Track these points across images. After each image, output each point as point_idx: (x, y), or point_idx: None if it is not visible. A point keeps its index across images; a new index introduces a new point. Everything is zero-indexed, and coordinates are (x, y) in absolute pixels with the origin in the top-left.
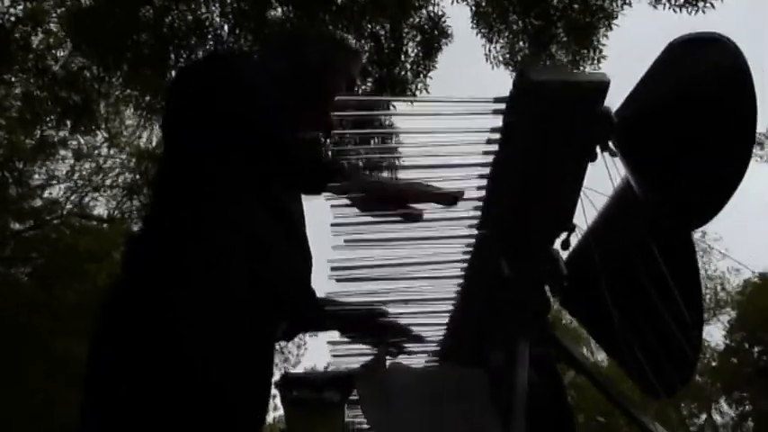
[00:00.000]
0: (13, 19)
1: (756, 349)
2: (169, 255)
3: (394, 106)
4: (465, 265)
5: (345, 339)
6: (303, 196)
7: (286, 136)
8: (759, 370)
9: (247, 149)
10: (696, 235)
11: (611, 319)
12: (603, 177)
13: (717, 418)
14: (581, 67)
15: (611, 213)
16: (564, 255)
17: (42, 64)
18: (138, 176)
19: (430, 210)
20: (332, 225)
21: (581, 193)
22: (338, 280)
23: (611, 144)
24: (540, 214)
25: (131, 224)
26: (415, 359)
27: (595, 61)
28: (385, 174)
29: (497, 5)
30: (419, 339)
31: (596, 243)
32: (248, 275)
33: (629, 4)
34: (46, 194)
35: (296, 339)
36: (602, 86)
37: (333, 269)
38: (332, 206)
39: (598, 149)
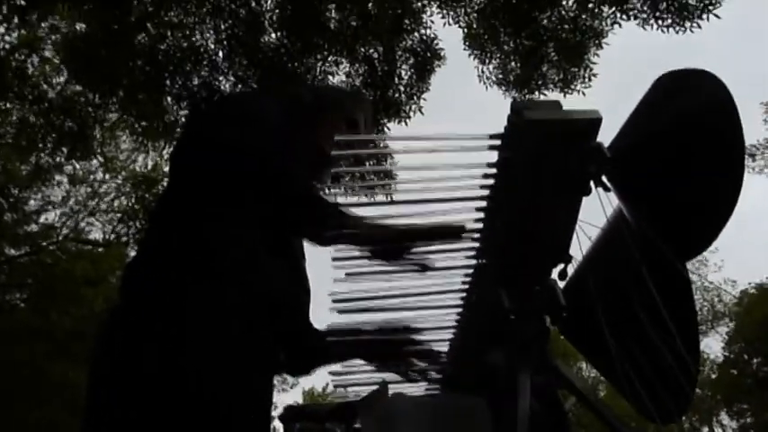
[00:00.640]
0: (8, 46)
1: (755, 360)
2: (167, 284)
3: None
4: (464, 294)
5: (347, 368)
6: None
7: (292, 175)
8: (759, 381)
9: (251, 185)
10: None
11: (608, 347)
12: (598, 209)
13: (718, 430)
14: (572, 86)
15: (606, 244)
16: (561, 285)
17: (38, 91)
18: (134, 201)
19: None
20: (333, 259)
21: (576, 226)
22: (339, 312)
23: (604, 178)
24: (537, 246)
25: (128, 248)
26: (417, 388)
27: (586, 79)
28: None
29: (489, 27)
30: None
31: (592, 273)
32: (248, 307)
33: (619, 24)
34: (41, 220)
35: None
36: (594, 122)
37: (334, 301)
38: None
39: (592, 184)
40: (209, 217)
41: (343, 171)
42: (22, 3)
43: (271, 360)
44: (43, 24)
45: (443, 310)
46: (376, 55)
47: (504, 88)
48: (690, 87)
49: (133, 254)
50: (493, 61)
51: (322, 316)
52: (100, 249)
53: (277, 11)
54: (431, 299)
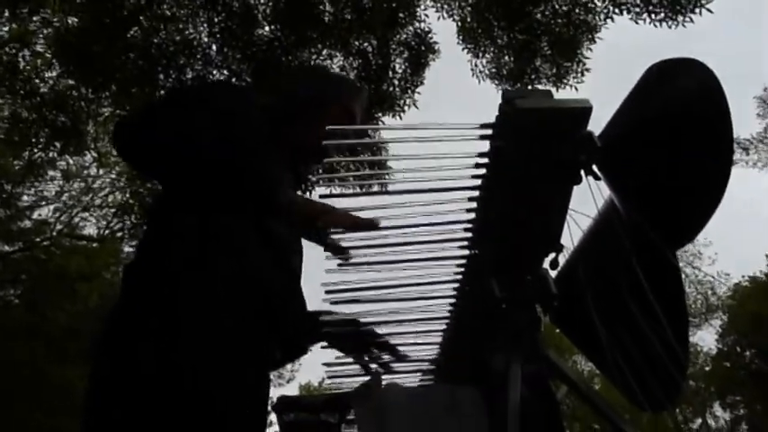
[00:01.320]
0: None
1: (748, 353)
2: (167, 281)
3: (382, 121)
4: (457, 285)
5: (341, 360)
6: None
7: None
8: (752, 373)
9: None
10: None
11: (599, 336)
12: (589, 198)
13: (711, 422)
14: (565, 80)
15: (597, 233)
16: (553, 274)
17: (30, 85)
18: (128, 196)
19: (424, 233)
20: (325, 249)
21: (567, 215)
22: (332, 302)
23: (594, 167)
24: (528, 235)
25: (122, 244)
26: (410, 378)
27: (579, 74)
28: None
29: (482, 21)
30: (404, 359)
31: (583, 262)
32: (241, 300)
33: (612, 19)
34: (35, 215)
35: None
36: (584, 111)
37: (327, 292)
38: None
39: (582, 173)
40: (197, 209)
41: (336, 161)
42: None
43: (266, 354)
44: (35, 18)
45: (436, 300)
46: (370, 48)
47: (497, 82)
48: (679, 76)
49: (128, 249)
50: (486, 55)
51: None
52: (94, 245)
53: (270, 3)
54: (423, 289)
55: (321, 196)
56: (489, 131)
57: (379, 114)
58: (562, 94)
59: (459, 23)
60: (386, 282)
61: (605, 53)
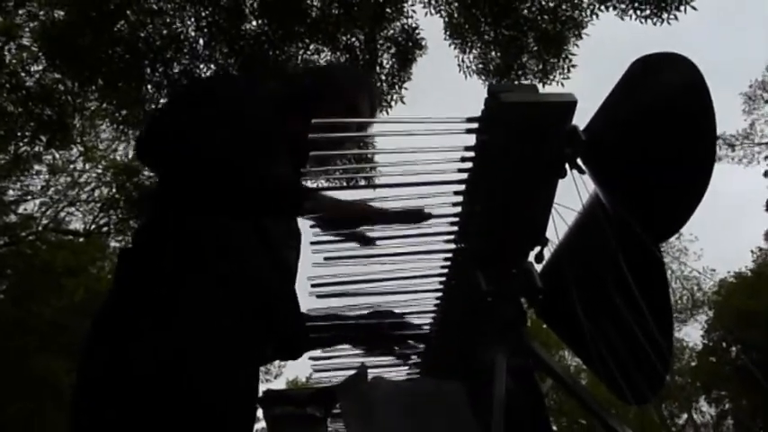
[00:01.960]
0: None
1: (734, 348)
2: (163, 281)
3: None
4: (443, 278)
5: (327, 354)
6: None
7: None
8: (737, 368)
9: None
10: (672, 237)
11: (584, 330)
12: (574, 192)
13: (697, 417)
14: (551, 76)
15: (582, 227)
16: (538, 268)
17: (16, 79)
18: (114, 190)
19: (410, 227)
20: (311, 243)
21: (552, 209)
22: (318, 296)
23: (579, 161)
24: (514, 229)
25: (109, 238)
26: (396, 372)
27: (565, 70)
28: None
29: (469, 17)
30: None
31: (568, 256)
32: (237, 299)
33: (597, 16)
34: (21, 210)
35: None
36: (569, 106)
37: (313, 285)
38: (311, 225)
39: (567, 166)
40: (195, 209)
41: (323, 155)
42: None
43: (258, 353)
44: (20, 11)
45: (423, 294)
46: (357, 44)
47: (483, 77)
48: (663, 71)
49: (114, 244)
50: (473, 51)
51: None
52: (80, 239)
53: None
54: (410, 283)
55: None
56: (475, 125)
57: (378, 103)
58: (548, 89)
59: (447, 19)
60: (372, 276)
61: (592, 50)
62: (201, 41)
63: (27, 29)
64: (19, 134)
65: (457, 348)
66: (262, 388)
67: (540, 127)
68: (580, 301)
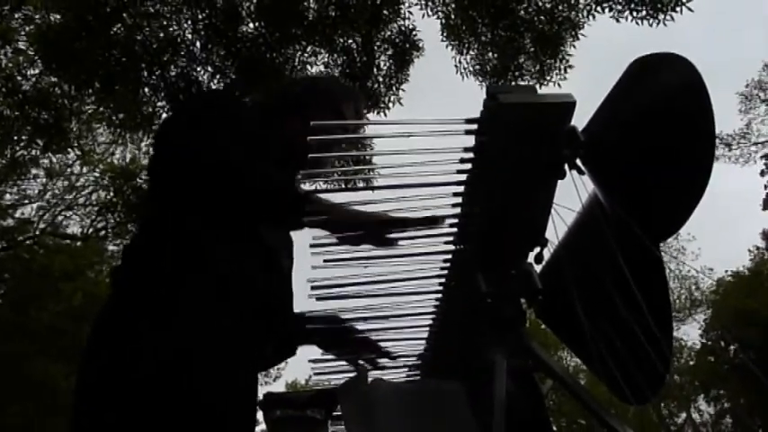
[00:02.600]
0: None
1: (732, 347)
2: (161, 283)
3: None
4: (443, 280)
5: (327, 357)
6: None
7: (261, 169)
8: (735, 367)
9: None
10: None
11: (583, 330)
12: (573, 193)
13: (695, 416)
14: (548, 77)
15: (581, 228)
16: (537, 269)
17: (12, 83)
18: (112, 194)
19: (410, 228)
20: (311, 245)
21: (552, 209)
22: (318, 299)
23: (578, 162)
24: (513, 230)
25: (106, 242)
26: (396, 374)
27: (562, 71)
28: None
29: (466, 18)
30: (388, 356)
31: (568, 257)
32: (237, 303)
33: (593, 17)
34: (18, 214)
35: None
36: (568, 107)
37: (313, 288)
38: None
39: (566, 167)
40: (194, 212)
41: (321, 156)
42: None
43: (258, 353)
44: (16, 15)
45: (422, 295)
46: (354, 46)
47: (481, 79)
48: (662, 71)
49: (112, 248)
50: (470, 52)
51: (301, 303)
52: (78, 243)
53: (255, 0)
54: (410, 284)
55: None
56: (474, 126)
57: (365, 111)
58: (545, 90)
59: (443, 20)
60: (372, 278)
61: (588, 51)
62: (198, 44)
63: (23, 32)
64: (15, 138)
65: (457, 349)
66: (261, 391)
67: (538, 128)
68: (580, 302)
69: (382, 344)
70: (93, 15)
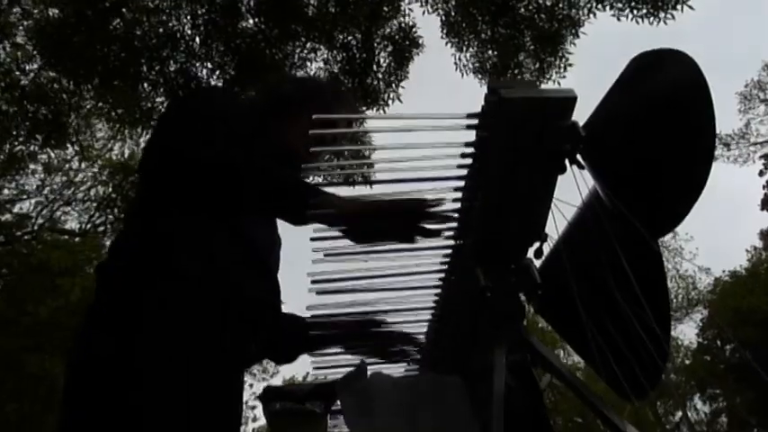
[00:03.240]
0: None
1: (728, 347)
2: (130, 282)
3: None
4: (442, 274)
5: (326, 351)
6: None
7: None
8: (731, 367)
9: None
10: (667, 236)
11: (582, 325)
12: (573, 188)
13: (691, 415)
14: (548, 75)
15: (581, 222)
16: (537, 263)
17: (10, 78)
18: (111, 189)
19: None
20: (311, 239)
21: (551, 204)
22: (318, 292)
23: (578, 157)
24: (513, 224)
25: (105, 238)
26: (395, 368)
27: (561, 69)
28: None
29: (466, 15)
30: (417, 342)
31: (567, 251)
32: (208, 303)
33: (594, 14)
34: (16, 209)
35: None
36: (569, 101)
37: (313, 282)
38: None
39: (567, 162)
40: (167, 213)
41: (322, 150)
42: None
43: (236, 355)
44: (15, 9)
45: (422, 290)
46: (354, 42)
47: (480, 76)
48: (663, 67)
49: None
50: (470, 49)
51: (301, 296)
52: (76, 239)
53: None
54: (410, 279)
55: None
56: (475, 121)
57: (364, 108)
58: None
59: (443, 17)
60: (371, 272)
61: (589, 48)
62: (198, 40)
63: (21, 27)
64: (14, 133)
65: (456, 344)
66: (260, 386)
67: (539, 122)
68: (579, 297)
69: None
70: (92, 10)
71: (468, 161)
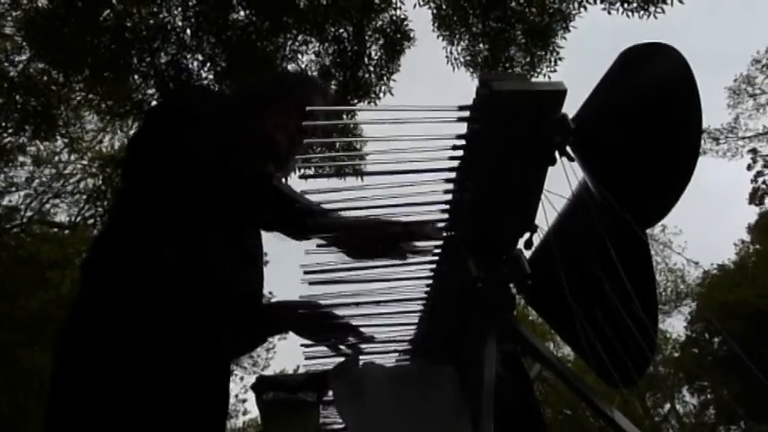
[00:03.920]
0: None
1: (716, 339)
2: (118, 278)
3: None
4: (434, 266)
5: (317, 341)
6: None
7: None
8: (718, 359)
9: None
10: (656, 229)
11: (571, 314)
12: (563, 179)
13: (679, 407)
14: (538, 69)
15: (570, 214)
16: (527, 254)
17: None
18: (100, 182)
19: (402, 214)
20: None
21: (542, 195)
22: (311, 283)
23: (568, 149)
24: (504, 215)
25: (94, 231)
26: (387, 358)
27: (552, 63)
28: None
29: (458, 8)
30: (370, 340)
31: (557, 242)
32: (197, 297)
33: (585, 8)
34: (5, 201)
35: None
36: (559, 94)
37: (305, 273)
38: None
39: (557, 154)
40: (158, 209)
41: (312, 143)
42: None
43: (226, 348)
44: (2, 0)
45: (414, 280)
46: (345, 35)
47: (471, 70)
48: (651, 60)
49: None
50: (461, 43)
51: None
52: (66, 231)
53: None
54: (402, 270)
55: (301, 177)
56: (466, 114)
57: (355, 101)
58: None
59: (435, 11)
60: (364, 263)
61: (579, 41)
62: (189, 31)
63: (10, 18)
64: (3, 125)
65: (447, 334)
66: (250, 379)
67: (530, 115)
68: (568, 287)
69: (373, 328)
70: (82, 1)
71: (460, 153)
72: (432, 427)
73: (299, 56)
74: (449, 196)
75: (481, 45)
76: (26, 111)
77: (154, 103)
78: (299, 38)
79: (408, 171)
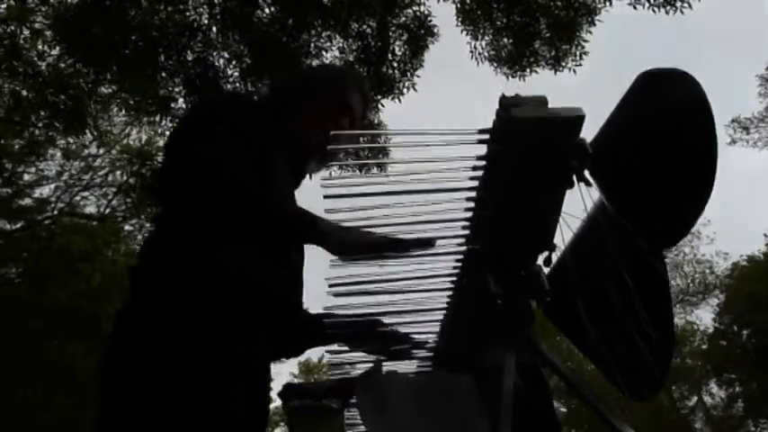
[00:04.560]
0: None
1: (745, 332)
2: (174, 287)
3: (382, 104)
4: (455, 279)
5: (344, 348)
6: None
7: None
8: (747, 352)
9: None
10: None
11: (588, 329)
12: (579, 201)
13: (707, 399)
14: (563, 63)
15: (587, 234)
16: (546, 271)
17: (31, 65)
18: (128, 175)
19: (425, 230)
20: None
21: (560, 216)
22: (335, 295)
23: (586, 173)
24: (523, 234)
25: (123, 223)
26: (410, 367)
27: (577, 57)
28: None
29: (482, 3)
30: (420, 346)
31: (574, 261)
32: (266, 310)
33: (610, 2)
34: (36, 194)
35: None
36: (577, 120)
37: (330, 285)
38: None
39: (574, 177)
40: (208, 224)
41: (338, 149)
42: None
43: (271, 359)
44: None
45: (435, 293)
46: (369, 31)
47: (495, 64)
48: (667, 87)
49: (128, 228)
50: (485, 37)
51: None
52: (94, 223)
53: None
54: (423, 282)
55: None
56: (487, 136)
57: (379, 97)
58: (560, 76)
59: (459, 5)
60: (387, 275)
61: (605, 37)
62: (215, 29)
63: (39, 13)
64: (34, 119)
65: (467, 345)
66: (275, 370)
67: (548, 140)
68: (585, 305)
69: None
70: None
71: (480, 173)
72: None
73: (324, 52)
74: (469, 214)
75: (505, 39)
76: (57, 107)
77: (183, 104)
78: (324, 34)
79: (433, 190)
